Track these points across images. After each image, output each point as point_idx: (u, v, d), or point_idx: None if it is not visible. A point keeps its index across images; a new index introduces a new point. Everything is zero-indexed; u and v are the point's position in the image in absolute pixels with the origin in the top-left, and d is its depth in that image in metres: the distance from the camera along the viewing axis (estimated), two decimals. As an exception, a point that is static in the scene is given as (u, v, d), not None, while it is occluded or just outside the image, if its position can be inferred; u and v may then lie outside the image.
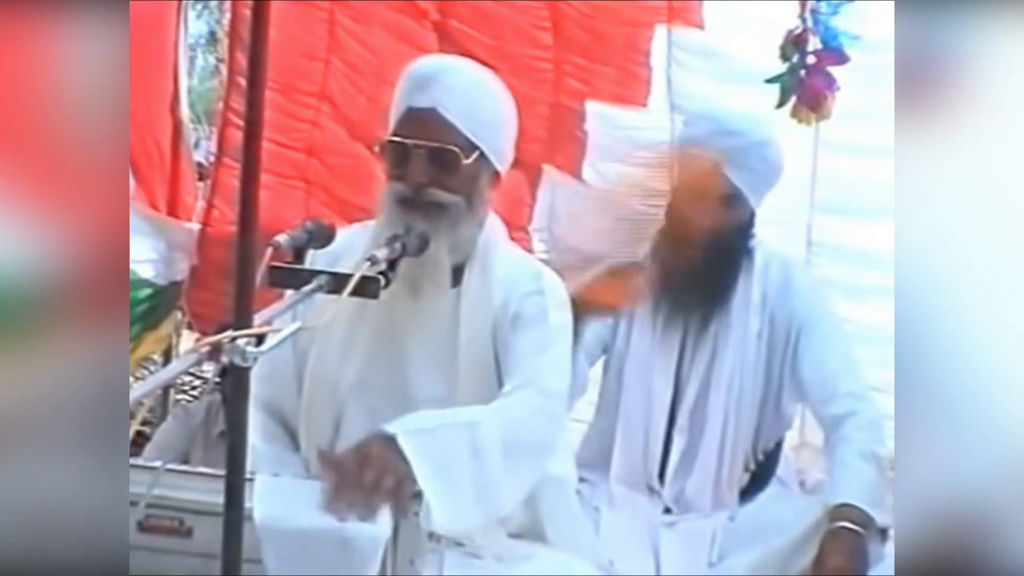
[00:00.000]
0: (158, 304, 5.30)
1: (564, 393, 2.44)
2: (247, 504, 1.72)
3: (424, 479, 2.01)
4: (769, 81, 4.23)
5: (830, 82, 4.20)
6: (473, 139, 2.36)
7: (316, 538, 1.91)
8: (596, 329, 3.03)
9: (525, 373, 2.32)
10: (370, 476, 1.97)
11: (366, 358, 2.41)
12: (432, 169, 2.34)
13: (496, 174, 2.44)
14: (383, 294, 2.11)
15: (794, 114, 4.17)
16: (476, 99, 2.40)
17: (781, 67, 4.27)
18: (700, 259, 2.97)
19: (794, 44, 4.23)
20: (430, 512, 2.00)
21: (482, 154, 2.38)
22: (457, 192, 2.35)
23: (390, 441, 2.03)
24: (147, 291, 5.23)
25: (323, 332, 2.35)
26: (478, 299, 2.40)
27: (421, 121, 2.35)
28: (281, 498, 1.94)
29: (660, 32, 4.99)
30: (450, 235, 2.35)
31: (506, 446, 2.17)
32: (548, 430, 2.36)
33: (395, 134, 2.38)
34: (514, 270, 2.47)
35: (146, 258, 5.28)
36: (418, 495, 2.01)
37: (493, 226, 2.49)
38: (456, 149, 2.34)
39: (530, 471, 2.26)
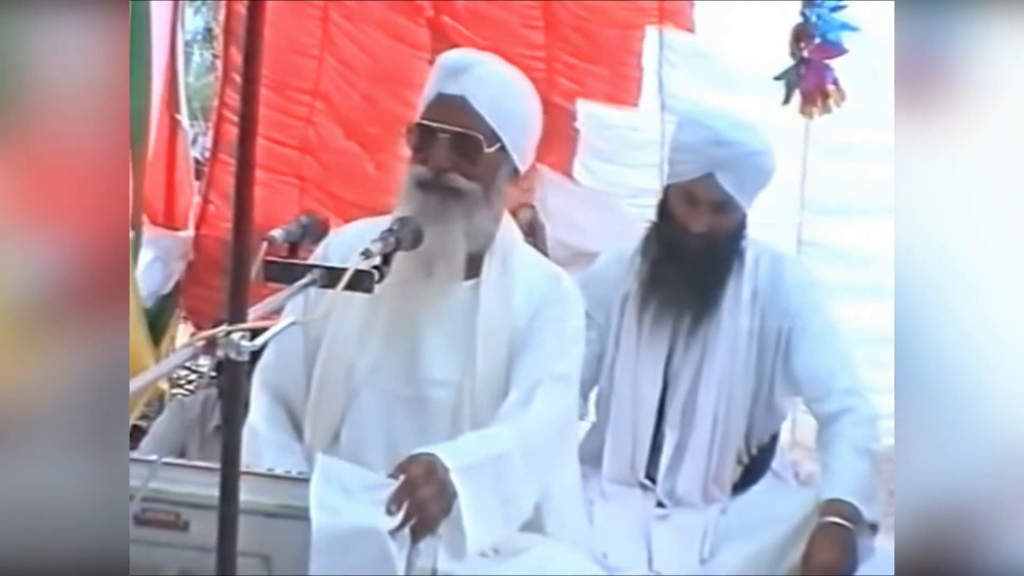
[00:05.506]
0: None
1: (575, 399, 2.54)
2: (242, 498, 1.73)
3: (467, 512, 2.11)
4: (777, 78, 4.27)
5: (829, 75, 4.24)
6: (497, 131, 2.40)
7: (369, 537, 1.97)
8: (585, 357, 3.02)
9: (539, 380, 2.39)
10: (429, 491, 2.06)
11: (383, 342, 2.44)
12: (454, 155, 2.38)
13: (515, 171, 2.48)
14: (401, 277, 2.21)
15: (802, 110, 4.23)
16: (504, 94, 2.45)
17: (783, 66, 4.32)
18: (691, 262, 2.98)
19: (795, 40, 4.28)
20: (464, 539, 2.10)
21: (503, 148, 2.42)
22: (475, 180, 2.39)
23: (444, 468, 2.11)
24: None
25: (338, 318, 2.39)
26: (498, 291, 2.45)
27: (448, 107, 2.39)
28: (338, 494, 1.99)
29: (651, 33, 5.02)
30: (466, 222, 2.39)
31: (528, 463, 2.27)
32: (561, 438, 2.48)
33: (422, 118, 2.42)
34: (534, 272, 2.53)
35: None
36: None
37: (510, 224, 2.54)
38: (479, 136, 2.38)
39: (544, 476, 2.36)
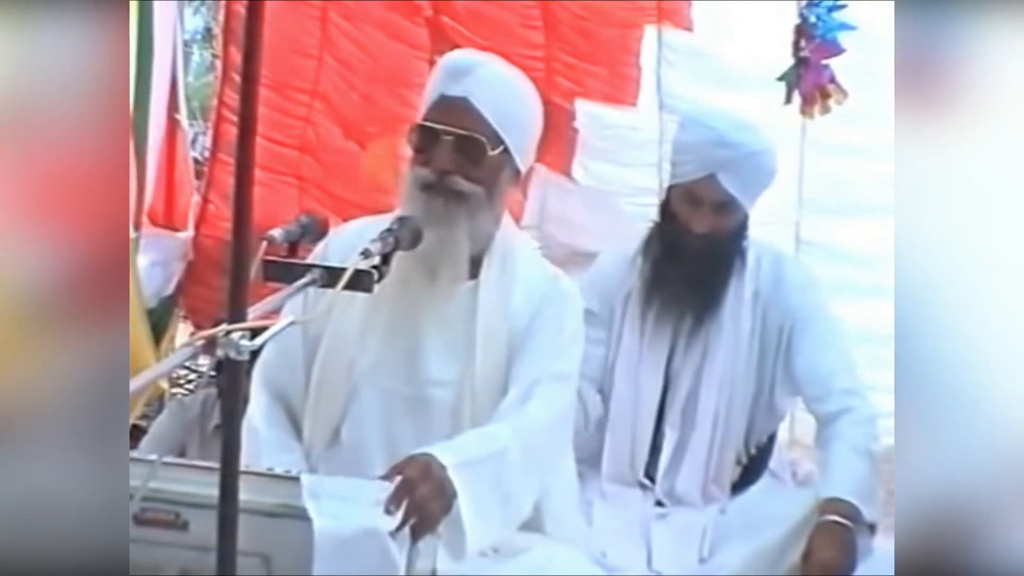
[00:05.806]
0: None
1: (573, 398, 2.54)
2: (242, 497, 1.73)
3: (467, 510, 2.11)
4: (780, 79, 4.28)
5: (827, 73, 4.25)
6: (500, 133, 2.40)
7: (371, 539, 1.97)
8: (591, 352, 3.00)
9: (538, 379, 2.39)
10: (427, 489, 2.06)
11: (383, 341, 2.44)
12: (457, 157, 2.37)
13: (516, 172, 2.48)
14: (404, 278, 2.23)
15: (802, 110, 4.24)
16: (507, 95, 2.44)
17: (782, 66, 4.33)
18: (693, 263, 2.98)
19: (796, 40, 4.29)
20: (464, 537, 2.11)
21: (506, 149, 2.42)
22: (478, 182, 2.39)
23: (441, 466, 2.11)
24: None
25: (339, 317, 2.40)
26: (497, 291, 2.45)
27: (452, 109, 2.39)
28: (337, 497, 1.99)
29: (650, 33, 5.03)
30: (469, 224, 2.39)
31: (526, 461, 2.27)
32: (560, 437, 2.48)
33: (425, 119, 2.42)
34: (533, 272, 2.53)
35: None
36: None
37: (510, 223, 2.54)
38: (483, 139, 2.37)
39: (543, 475, 2.37)
